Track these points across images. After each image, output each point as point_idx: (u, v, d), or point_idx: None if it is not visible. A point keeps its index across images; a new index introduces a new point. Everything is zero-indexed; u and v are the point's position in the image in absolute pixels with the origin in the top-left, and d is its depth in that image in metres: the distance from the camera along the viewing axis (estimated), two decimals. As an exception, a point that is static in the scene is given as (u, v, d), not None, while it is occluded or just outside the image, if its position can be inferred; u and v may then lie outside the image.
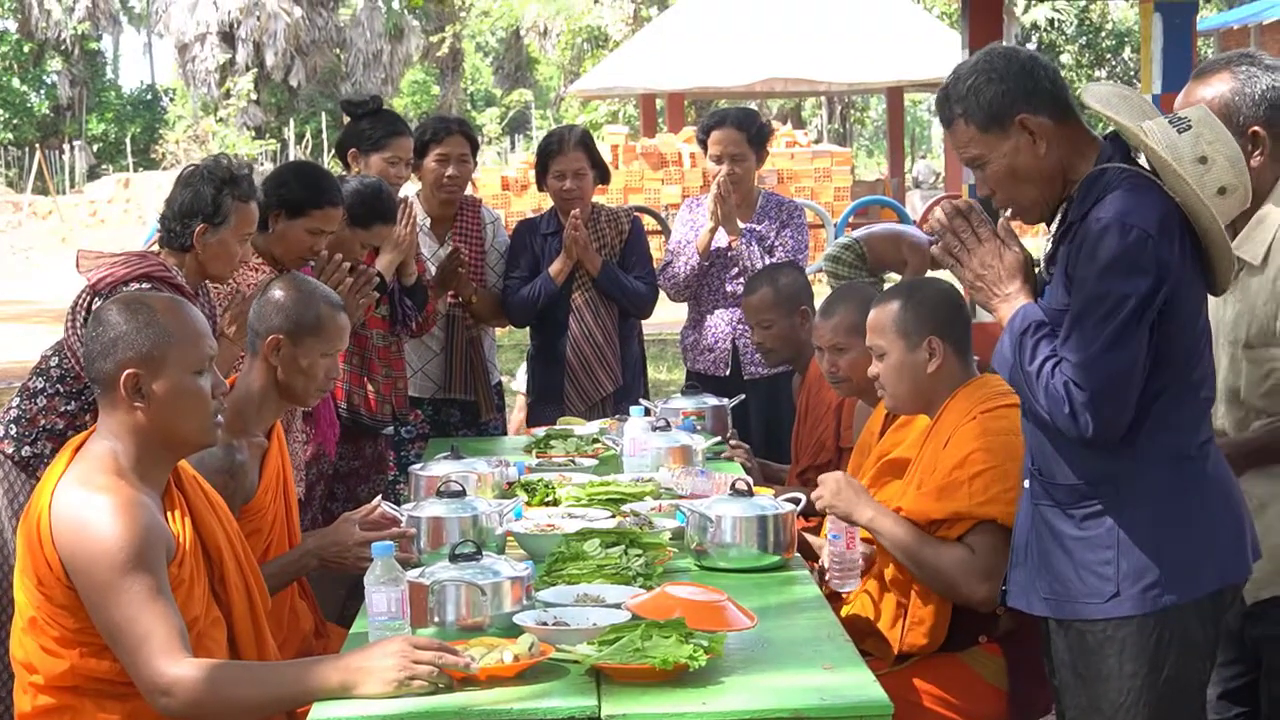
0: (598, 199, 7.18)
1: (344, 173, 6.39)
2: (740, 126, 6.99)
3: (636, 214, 7.44)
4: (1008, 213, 3.66)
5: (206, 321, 3.71)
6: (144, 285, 4.73)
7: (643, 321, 7.27)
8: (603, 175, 6.96)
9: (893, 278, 7.06)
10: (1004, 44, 3.73)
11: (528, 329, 7.21)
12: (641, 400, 6.30)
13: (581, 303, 6.86)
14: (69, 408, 4.88)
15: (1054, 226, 3.57)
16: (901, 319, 4.42)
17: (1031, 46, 42.28)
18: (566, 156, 6.83)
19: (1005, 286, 3.55)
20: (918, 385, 4.43)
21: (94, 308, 4.74)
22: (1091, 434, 3.39)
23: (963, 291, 3.96)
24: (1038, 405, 3.45)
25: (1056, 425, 3.43)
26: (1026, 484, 3.69)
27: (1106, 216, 3.36)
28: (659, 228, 19.18)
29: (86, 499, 3.43)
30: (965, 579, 4.15)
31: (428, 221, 6.85)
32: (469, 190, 7.10)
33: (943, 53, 26.29)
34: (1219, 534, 3.53)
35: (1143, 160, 3.52)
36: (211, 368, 3.63)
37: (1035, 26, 42.42)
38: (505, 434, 6.98)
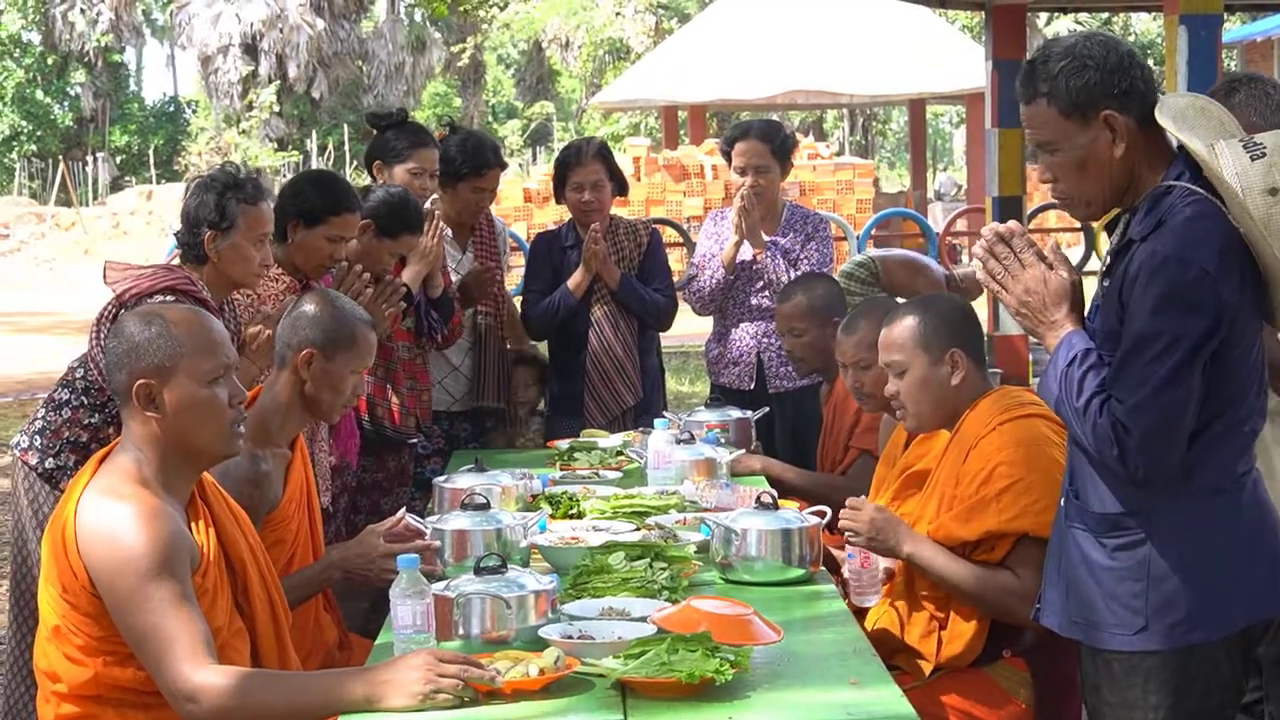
0: (619, 211, 7.16)
1: (370, 184, 6.39)
2: (765, 138, 6.97)
3: (655, 226, 7.42)
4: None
5: (225, 331, 3.70)
6: (168, 299, 4.73)
7: (664, 334, 7.25)
8: (621, 187, 6.95)
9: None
10: (1105, 32, 3.61)
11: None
12: (665, 413, 6.28)
13: (601, 316, 6.84)
14: (93, 420, 4.88)
15: (1112, 242, 3.48)
16: (922, 333, 4.40)
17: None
18: (584, 168, 6.81)
19: (1051, 313, 3.45)
20: (942, 400, 4.40)
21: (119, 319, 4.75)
22: (1141, 475, 3.33)
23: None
24: (1083, 440, 3.38)
25: (1104, 464, 3.38)
26: (1063, 503, 3.64)
27: (1165, 249, 3.27)
28: (680, 240, 19.19)
29: (111, 507, 3.43)
30: (1016, 604, 4.10)
31: (449, 231, 6.85)
32: None
33: (965, 65, 26.31)
34: (1252, 568, 3.45)
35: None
36: (229, 377, 3.62)
37: (1057, 39, 42.34)
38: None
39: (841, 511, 4.32)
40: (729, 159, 7.08)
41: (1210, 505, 3.41)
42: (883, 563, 4.33)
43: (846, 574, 4.41)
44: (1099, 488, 3.47)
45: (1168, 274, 3.26)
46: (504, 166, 6.87)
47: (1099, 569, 3.49)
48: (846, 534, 4.30)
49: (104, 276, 4.91)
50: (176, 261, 5.14)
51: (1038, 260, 3.48)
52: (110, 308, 4.87)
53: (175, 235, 5.12)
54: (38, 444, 4.88)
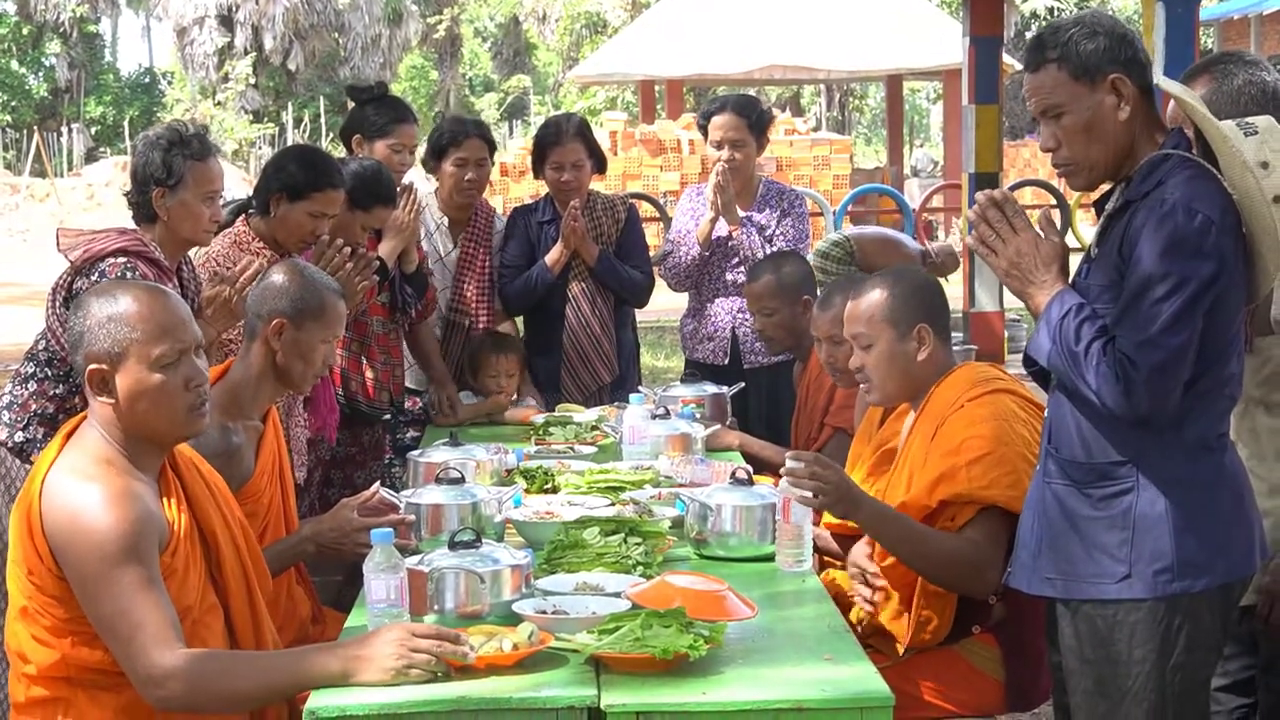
0: (596, 185, 7.14)
1: (345, 156, 6.37)
2: (741, 113, 6.97)
3: (632, 201, 7.40)
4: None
5: (183, 312, 3.62)
6: (119, 259, 4.70)
7: (640, 309, 7.24)
8: (599, 164, 6.92)
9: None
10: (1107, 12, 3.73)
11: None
12: (640, 388, 6.28)
13: (578, 292, 6.82)
14: (58, 391, 4.84)
15: (1109, 205, 3.57)
16: (890, 307, 4.41)
17: (1031, 36, 42.36)
18: (564, 148, 6.78)
19: (1041, 274, 3.55)
20: (908, 375, 4.42)
21: (74, 286, 4.72)
22: (1145, 411, 3.40)
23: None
24: (1083, 385, 3.44)
25: (1105, 404, 3.42)
26: (1040, 464, 3.70)
27: (1172, 199, 3.38)
28: (657, 215, 19.16)
29: (78, 488, 3.39)
30: (969, 571, 4.11)
31: (445, 221, 6.83)
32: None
33: (943, 41, 26.28)
34: (1233, 527, 3.53)
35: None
36: (186, 360, 3.55)
37: (1035, 15, 42.42)
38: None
39: (789, 465, 4.11)
40: (705, 133, 7.08)
41: (1198, 461, 3.50)
42: (808, 526, 4.19)
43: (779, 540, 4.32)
44: (1086, 438, 3.54)
45: (1175, 220, 3.36)
46: (488, 143, 6.80)
47: (1081, 520, 3.55)
48: (811, 501, 4.11)
49: (57, 243, 4.87)
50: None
51: (1028, 226, 3.59)
52: (65, 276, 4.83)
53: (125, 195, 5.09)
54: (6, 419, 4.85)
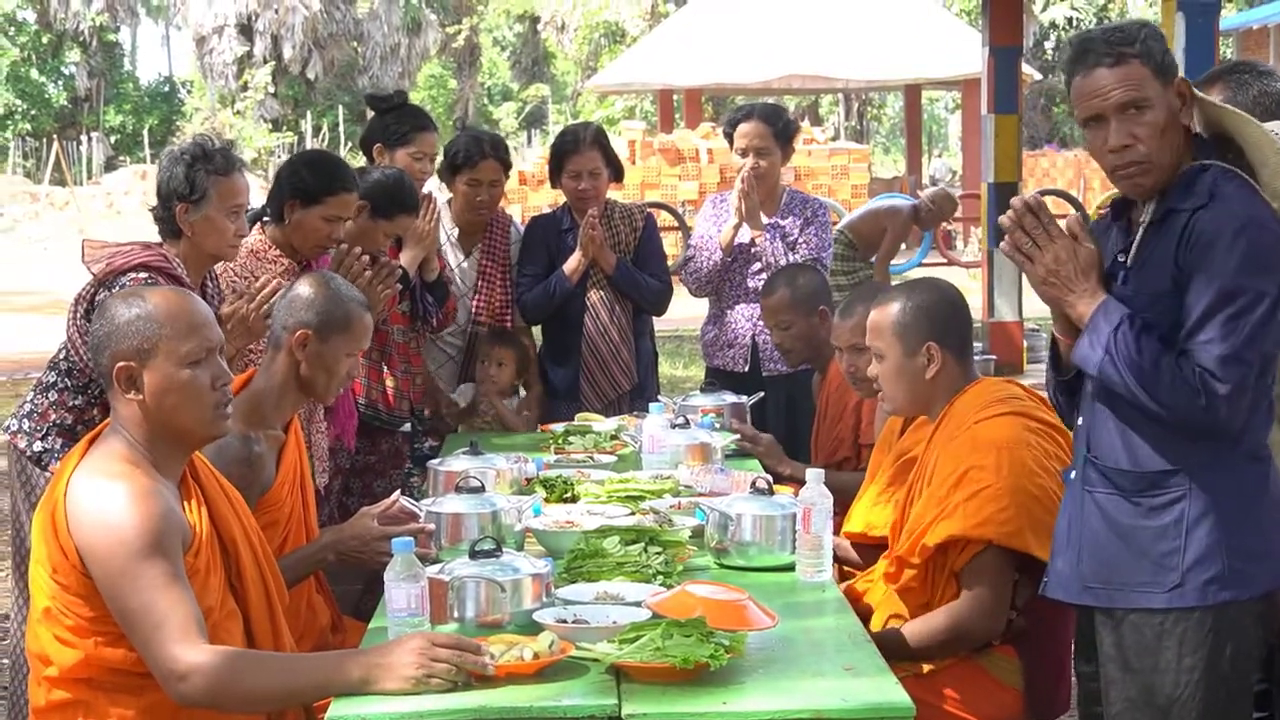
0: (614, 194, 7.14)
1: (367, 165, 6.37)
2: (767, 121, 6.97)
3: (650, 210, 7.40)
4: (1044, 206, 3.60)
5: (208, 312, 3.67)
6: (141, 275, 4.70)
7: (659, 317, 7.24)
8: (617, 173, 6.92)
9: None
10: None
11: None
12: (659, 397, 6.27)
13: (597, 300, 6.83)
14: (77, 402, 4.84)
15: (1145, 216, 3.54)
16: (900, 323, 4.41)
17: (1049, 45, 42.47)
18: (582, 156, 6.79)
19: (1082, 282, 3.51)
20: (916, 390, 4.43)
21: (96, 299, 4.73)
22: (1224, 424, 3.39)
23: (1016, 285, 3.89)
24: (1146, 397, 3.41)
25: (1178, 417, 3.40)
26: (1074, 473, 3.68)
27: (1243, 213, 3.37)
28: (675, 224, 19.18)
29: (102, 486, 3.41)
30: (978, 627, 4.16)
31: (456, 232, 6.84)
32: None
33: (961, 51, 26.29)
34: (1276, 535, 3.53)
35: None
36: (212, 359, 3.59)
37: (1054, 25, 42.41)
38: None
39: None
40: (731, 141, 7.08)
41: (1248, 470, 3.49)
42: (828, 536, 4.20)
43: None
44: (1133, 446, 3.52)
45: (1250, 235, 3.36)
46: (503, 162, 6.77)
47: (1129, 529, 3.53)
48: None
49: (82, 255, 4.88)
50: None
51: (1063, 233, 3.53)
52: (88, 288, 4.84)
53: (151, 210, 5.09)
54: (26, 427, 4.85)
